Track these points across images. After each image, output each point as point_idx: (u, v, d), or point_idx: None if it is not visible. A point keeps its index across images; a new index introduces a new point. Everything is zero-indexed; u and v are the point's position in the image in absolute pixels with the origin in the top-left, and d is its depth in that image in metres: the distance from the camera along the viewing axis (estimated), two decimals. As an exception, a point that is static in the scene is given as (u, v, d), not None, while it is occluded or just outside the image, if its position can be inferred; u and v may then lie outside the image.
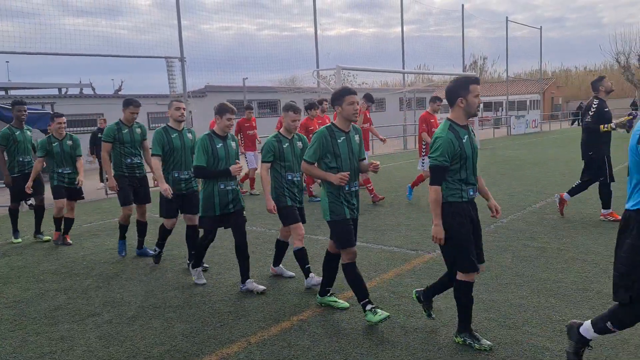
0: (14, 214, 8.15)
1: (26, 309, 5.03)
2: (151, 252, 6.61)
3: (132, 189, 6.68)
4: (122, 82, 46.82)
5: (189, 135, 6.15)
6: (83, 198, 8.00)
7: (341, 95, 4.24)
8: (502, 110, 44.25)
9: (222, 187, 5.15)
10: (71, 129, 22.12)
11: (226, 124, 5.21)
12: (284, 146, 5.19)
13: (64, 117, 7.58)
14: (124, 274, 6.03)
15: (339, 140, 4.29)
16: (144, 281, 5.73)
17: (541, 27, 37.88)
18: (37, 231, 8.19)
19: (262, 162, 5.16)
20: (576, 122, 44.81)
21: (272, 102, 27.95)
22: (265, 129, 18.17)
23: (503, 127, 33.49)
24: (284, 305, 4.79)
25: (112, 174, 6.59)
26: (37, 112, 16.00)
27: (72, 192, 7.69)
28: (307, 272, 5.23)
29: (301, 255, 5.20)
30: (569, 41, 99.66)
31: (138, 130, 6.80)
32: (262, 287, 5.16)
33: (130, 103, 6.74)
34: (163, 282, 5.67)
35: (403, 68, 24.42)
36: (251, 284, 5.19)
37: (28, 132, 8.11)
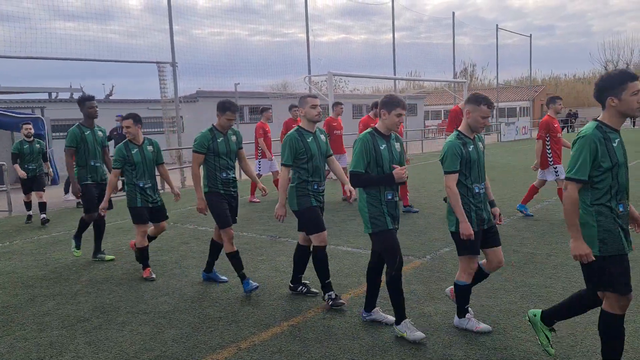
0: (84, 226, 6.95)
1: (14, 314, 4.98)
2: (222, 278, 5.82)
3: (229, 207, 5.55)
4: (113, 86, 46.59)
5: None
6: (167, 218, 6.42)
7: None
8: (493, 117, 44.57)
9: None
10: (61, 134, 22.05)
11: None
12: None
13: (129, 119, 6.03)
14: (114, 280, 5.99)
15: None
16: (133, 287, 5.70)
17: (531, 35, 38.23)
18: (98, 250, 6.96)
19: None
20: (565, 129, 45.27)
21: (264, 107, 27.96)
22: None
23: (493, 134, 33.71)
24: (274, 311, 4.78)
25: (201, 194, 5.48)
26: (27, 117, 15.90)
27: (156, 213, 6.21)
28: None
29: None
30: (559, 49, 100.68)
31: (233, 137, 5.62)
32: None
33: (228, 108, 5.49)
34: (153, 287, 5.65)
35: (394, 74, 24.54)
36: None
37: (100, 133, 6.92)
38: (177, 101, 14.47)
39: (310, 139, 4.89)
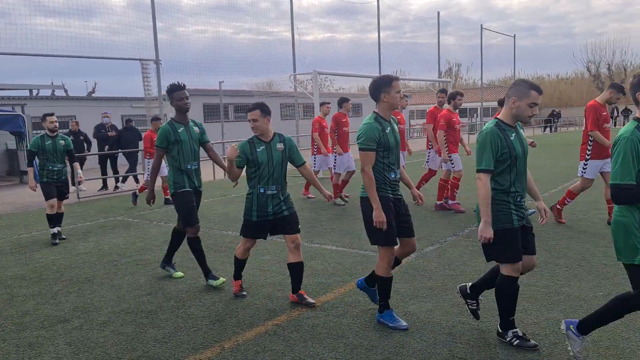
0: (178, 240, 5.84)
1: (-8, 315, 4.88)
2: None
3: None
4: (95, 84, 46.07)
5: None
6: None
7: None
8: (477, 116, 44.89)
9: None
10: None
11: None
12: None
13: (256, 110, 5.01)
14: (96, 279, 5.91)
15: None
16: (115, 286, 5.62)
17: (515, 35, 38.63)
18: (208, 274, 5.57)
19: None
20: (548, 129, 45.75)
21: (248, 106, 27.84)
22: (243, 133, 18.09)
23: (477, 133, 33.96)
24: (258, 310, 4.75)
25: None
26: (8, 114, 15.64)
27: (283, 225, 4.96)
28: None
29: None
30: (542, 49, 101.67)
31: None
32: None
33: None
34: (135, 287, 5.57)
35: (379, 73, 24.59)
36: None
37: (195, 129, 5.71)
38: (161, 99, 14.32)
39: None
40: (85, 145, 13.96)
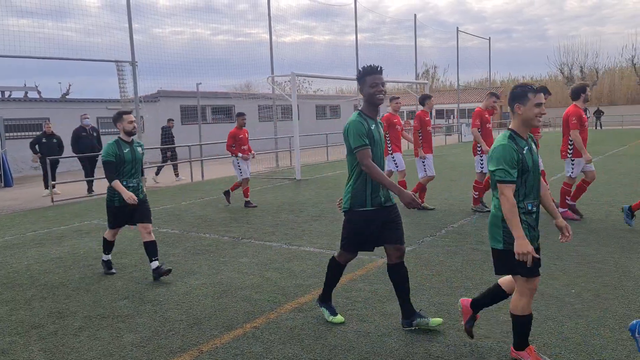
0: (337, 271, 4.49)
1: (-36, 322, 4.78)
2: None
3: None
4: (69, 85, 45.30)
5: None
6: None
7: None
8: (454, 117, 45.39)
9: None
10: (14, 134, 21.29)
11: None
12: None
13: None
14: (71, 284, 5.82)
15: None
16: (91, 291, 5.55)
17: (490, 38, 39.24)
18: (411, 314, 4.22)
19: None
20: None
21: (226, 107, 27.70)
22: (221, 135, 18.04)
23: (454, 134, 34.34)
24: (236, 313, 4.74)
25: None
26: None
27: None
28: None
29: None
30: (517, 52, 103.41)
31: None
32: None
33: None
34: (112, 291, 5.51)
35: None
36: None
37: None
38: (137, 101, 14.17)
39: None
40: (58, 149, 13.74)
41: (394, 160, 9.65)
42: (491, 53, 38.58)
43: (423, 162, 9.44)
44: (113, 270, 6.19)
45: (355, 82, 24.35)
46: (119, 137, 5.96)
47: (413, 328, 4.13)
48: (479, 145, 8.91)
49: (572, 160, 7.91)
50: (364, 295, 5.04)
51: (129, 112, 6.09)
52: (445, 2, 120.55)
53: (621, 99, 54.02)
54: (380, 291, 5.15)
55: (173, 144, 16.88)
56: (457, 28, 34.02)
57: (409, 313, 4.16)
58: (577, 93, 7.76)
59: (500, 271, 3.51)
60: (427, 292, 5.05)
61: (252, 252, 6.85)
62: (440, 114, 50.08)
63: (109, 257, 6.24)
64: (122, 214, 5.98)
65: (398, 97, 10.09)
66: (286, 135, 20.41)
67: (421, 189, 9.52)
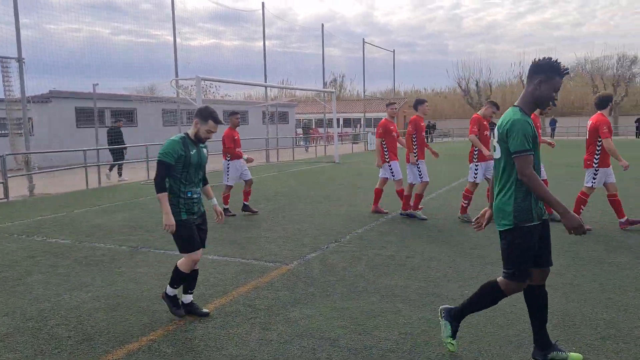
0: None
1: None
2: None
3: None
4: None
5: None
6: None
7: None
8: (360, 126, 46.62)
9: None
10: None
11: None
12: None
13: None
14: (-61, 301, 5.20)
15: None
16: (-36, 308, 4.99)
17: (394, 50, 40.86)
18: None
19: None
20: (427, 139, 48.66)
21: (127, 111, 26.45)
22: (124, 139, 17.15)
23: (361, 143, 35.25)
24: (132, 326, 4.46)
25: None
26: None
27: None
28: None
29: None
30: (420, 65, 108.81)
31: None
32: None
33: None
34: (-11, 308, 4.99)
35: (265, 82, 24.65)
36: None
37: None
38: (25, 101, 13.10)
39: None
40: None
41: (391, 169, 9.32)
42: (396, 65, 40.23)
43: (418, 169, 9.08)
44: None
45: (264, 89, 24.16)
46: (186, 135, 4.67)
47: None
48: (475, 151, 8.66)
49: (596, 171, 7.65)
50: (268, 303, 4.95)
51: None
52: (352, 14, 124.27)
53: (510, 112, 58.38)
54: (283, 297, 5.09)
55: (123, 143, 17.26)
56: (364, 39, 35.12)
57: (545, 344, 3.64)
58: (606, 102, 7.55)
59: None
60: (331, 298, 5.06)
61: (151, 262, 6.53)
62: (347, 122, 51.24)
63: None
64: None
65: (395, 103, 10.02)
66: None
67: (417, 196, 9.21)
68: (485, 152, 8.40)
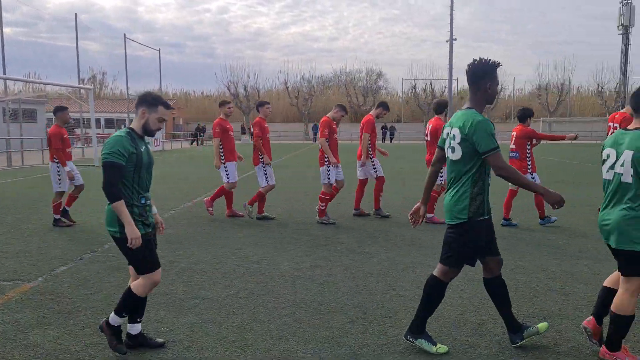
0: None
1: None
2: None
3: None
4: None
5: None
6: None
7: None
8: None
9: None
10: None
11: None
12: None
13: None
14: None
15: None
16: None
17: (160, 49, 39.51)
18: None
19: None
20: (195, 142, 48.34)
21: None
22: None
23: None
24: None
25: None
26: None
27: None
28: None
29: None
30: (188, 66, 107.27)
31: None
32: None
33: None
34: None
35: (4, 74, 21.42)
36: None
37: None
38: None
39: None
40: None
41: (226, 170, 9.04)
42: (163, 65, 39.02)
43: (264, 171, 8.93)
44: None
45: (2, 82, 21.17)
46: (129, 130, 3.81)
47: (525, 341, 3.89)
48: (326, 157, 8.68)
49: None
50: (4, 328, 4.21)
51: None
52: (111, 6, 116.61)
53: (278, 118, 61.87)
54: (23, 320, 4.38)
55: None
56: (125, 35, 33.15)
57: (517, 327, 3.90)
58: (442, 107, 8.46)
59: (634, 272, 3.49)
60: (83, 314, 4.54)
61: None
62: (110, 123, 47.78)
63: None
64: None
65: (230, 102, 9.62)
66: None
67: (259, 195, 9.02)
68: (332, 159, 8.57)
